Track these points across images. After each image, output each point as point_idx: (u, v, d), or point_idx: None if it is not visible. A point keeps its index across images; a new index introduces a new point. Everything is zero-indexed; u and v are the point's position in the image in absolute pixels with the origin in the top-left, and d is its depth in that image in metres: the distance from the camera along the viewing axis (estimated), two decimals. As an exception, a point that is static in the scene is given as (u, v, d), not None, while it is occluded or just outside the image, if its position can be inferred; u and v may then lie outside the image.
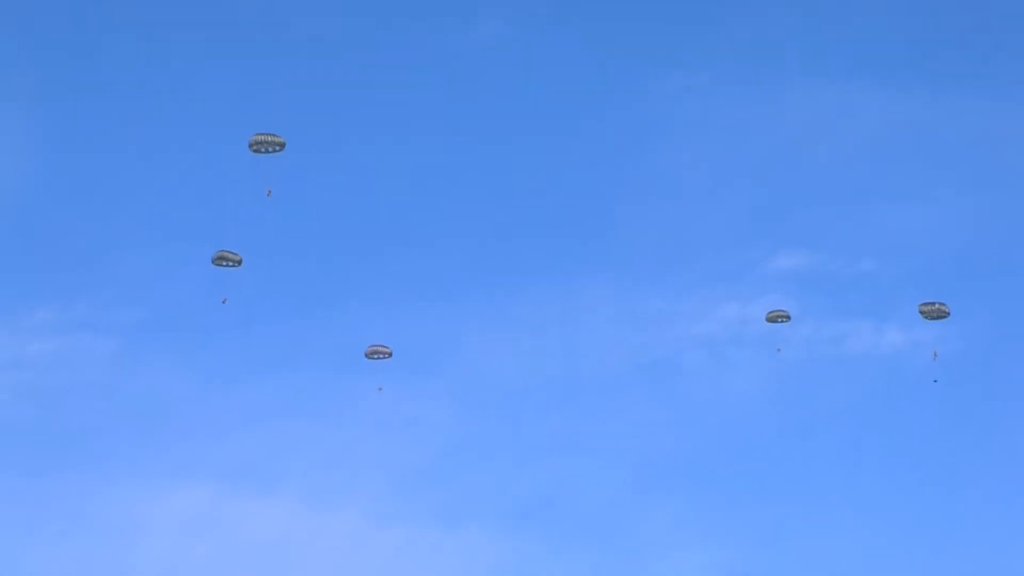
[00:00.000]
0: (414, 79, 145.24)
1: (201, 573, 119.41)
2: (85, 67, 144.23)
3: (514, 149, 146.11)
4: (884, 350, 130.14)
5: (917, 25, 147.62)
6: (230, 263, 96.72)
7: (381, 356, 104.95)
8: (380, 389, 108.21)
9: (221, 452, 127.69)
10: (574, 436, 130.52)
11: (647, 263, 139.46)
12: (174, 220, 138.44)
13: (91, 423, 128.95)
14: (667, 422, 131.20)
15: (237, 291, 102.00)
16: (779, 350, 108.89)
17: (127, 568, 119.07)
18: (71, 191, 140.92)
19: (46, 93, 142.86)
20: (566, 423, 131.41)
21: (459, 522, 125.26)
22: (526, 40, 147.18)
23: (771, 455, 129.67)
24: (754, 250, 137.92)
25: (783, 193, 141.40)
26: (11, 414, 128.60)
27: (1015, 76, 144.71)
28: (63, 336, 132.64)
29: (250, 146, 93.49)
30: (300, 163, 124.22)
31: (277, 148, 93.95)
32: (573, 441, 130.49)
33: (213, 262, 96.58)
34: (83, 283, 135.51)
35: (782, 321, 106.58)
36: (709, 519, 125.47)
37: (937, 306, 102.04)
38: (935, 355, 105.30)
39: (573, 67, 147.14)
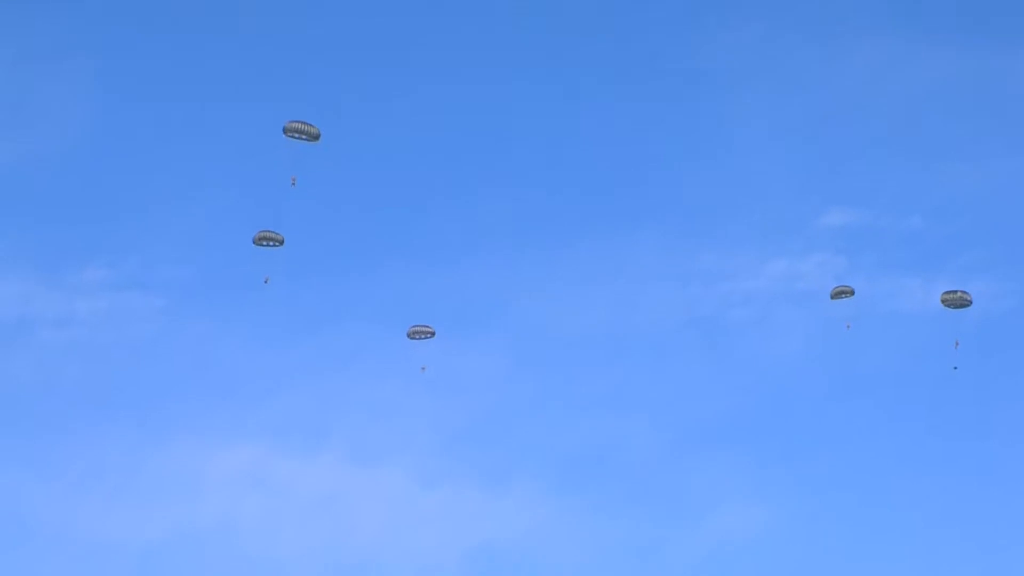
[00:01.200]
0: (462, 25, 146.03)
1: (252, 529, 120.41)
2: (140, 20, 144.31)
3: (565, 102, 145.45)
4: (933, 308, 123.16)
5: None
6: (272, 243, 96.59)
7: (424, 336, 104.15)
8: (424, 369, 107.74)
9: (270, 409, 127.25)
10: (623, 393, 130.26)
11: (697, 218, 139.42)
12: (224, 178, 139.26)
13: (141, 381, 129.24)
14: (715, 379, 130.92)
15: (287, 250, 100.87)
16: (848, 326, 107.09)
17: (180, 524, 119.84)
18: (122, 147, 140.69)
19: (101, 47, 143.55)
20: (615, 380, 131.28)
21: (507, 480, 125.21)
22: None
23: (819, 412, 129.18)
24: (804, 206, 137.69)
25: (835, 148, 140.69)
26: (62, 372, 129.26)
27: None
28: (113, 294, 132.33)
29: (285, 131, 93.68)
30: (348, 116, 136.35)
31: (310, 138, 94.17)
32: (622, 398, 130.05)
33: (255, 242, 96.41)
34: (132, 240, 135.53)
35: (846, 296, 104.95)
36: (757, 476, 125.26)
37: (959, 295, 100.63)
38: (956, 344, 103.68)
39: (625, 19, 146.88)
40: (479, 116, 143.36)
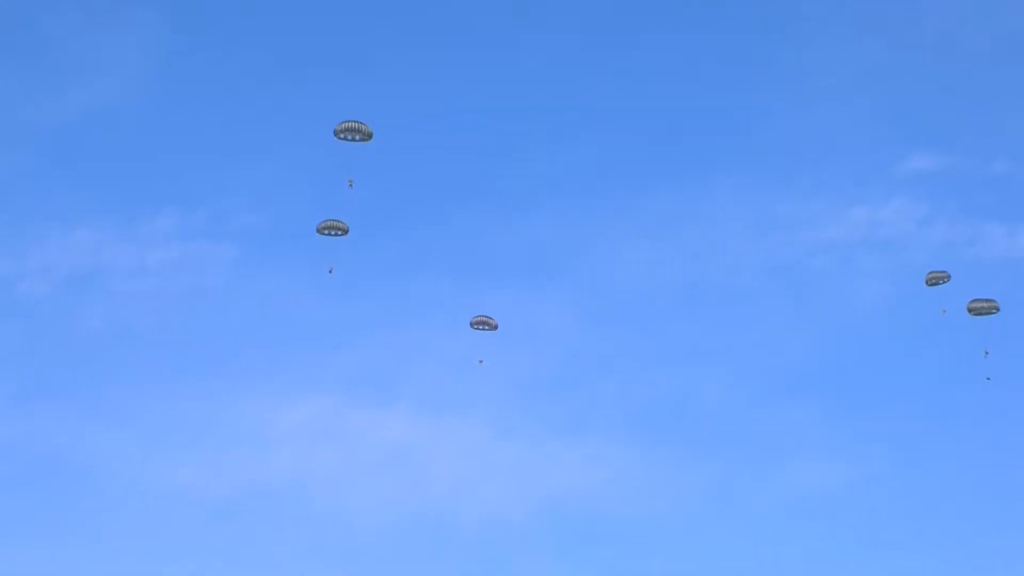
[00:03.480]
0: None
1: (323, 483, 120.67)
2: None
3: (638, 48, 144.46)
4: (1017, 253, 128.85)
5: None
6: (336, 232, 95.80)
7: (486, 328, 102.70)
8: (481, 362, 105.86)
9: (342, 361, 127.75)
10: (699, 344, 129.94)
11: (776, 164, 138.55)
12: (296, 126, 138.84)
13: (212, 332, 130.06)
14: (794, 329, 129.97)
15: (361, 200, 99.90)
16: (944, 311, 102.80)
17: (250, 478, 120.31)
18: (193, 95, 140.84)
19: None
20: (690, 331, 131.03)
21: (582, 432, 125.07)
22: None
23: (900, 362, 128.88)
24: (885, 151, 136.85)
25: (917, 92, 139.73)
26: (136, 320, 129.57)
27: None
28: (184, 243, 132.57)
29: (336, 134, 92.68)
30: (422, 64, 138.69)
31: (363, 137, 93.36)
32: (697, 349, 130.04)
33: (318, 231, 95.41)
34: (204, 190, 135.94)
35: (943, 282, 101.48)
36: (837, 428, 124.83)
37: (987, 303, 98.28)
38: (986, 354, 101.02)
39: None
40: (550, 64, 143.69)
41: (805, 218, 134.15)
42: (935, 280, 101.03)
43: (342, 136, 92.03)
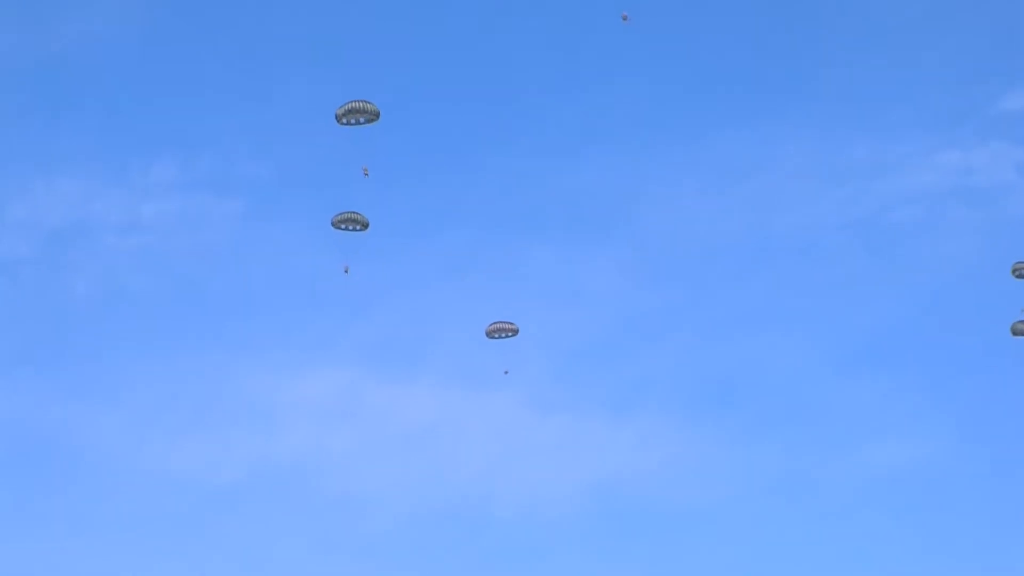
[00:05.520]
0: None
1: (340, 465, 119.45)
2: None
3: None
4: None
5: None
6: (354, 227, 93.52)
7: (505, 335, 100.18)
8: (507, 372, 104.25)
9: (362, 328, 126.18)
10: (764, 307, 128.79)
11: (851, 104, 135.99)
12: (304, 67, 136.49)
13: (216, 296, 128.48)
14: (873, 290, 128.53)
15: (383, 144, 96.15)
16: None
17: (260, 458, 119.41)
18: (196, 24, 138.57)
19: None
20: (755, 293, 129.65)
21: (633, 408, 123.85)
22: None
23: (994, 329, 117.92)
24: (978, 88, 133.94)
25: (1013, 24, 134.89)
26: (129, 283, 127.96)
27: None
28: (184, 195, 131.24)
29: (338, 118, 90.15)
30: (458, 7, 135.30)
31: (369, 118, 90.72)
32: (763, 313, 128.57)
33: (334, 225, 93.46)
34: (206, 135, 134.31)
35: None
36: (921, 402, 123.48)
37: None
38: None
39: None
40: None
41: (885, 165, 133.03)
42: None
43: (344, 122, 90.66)
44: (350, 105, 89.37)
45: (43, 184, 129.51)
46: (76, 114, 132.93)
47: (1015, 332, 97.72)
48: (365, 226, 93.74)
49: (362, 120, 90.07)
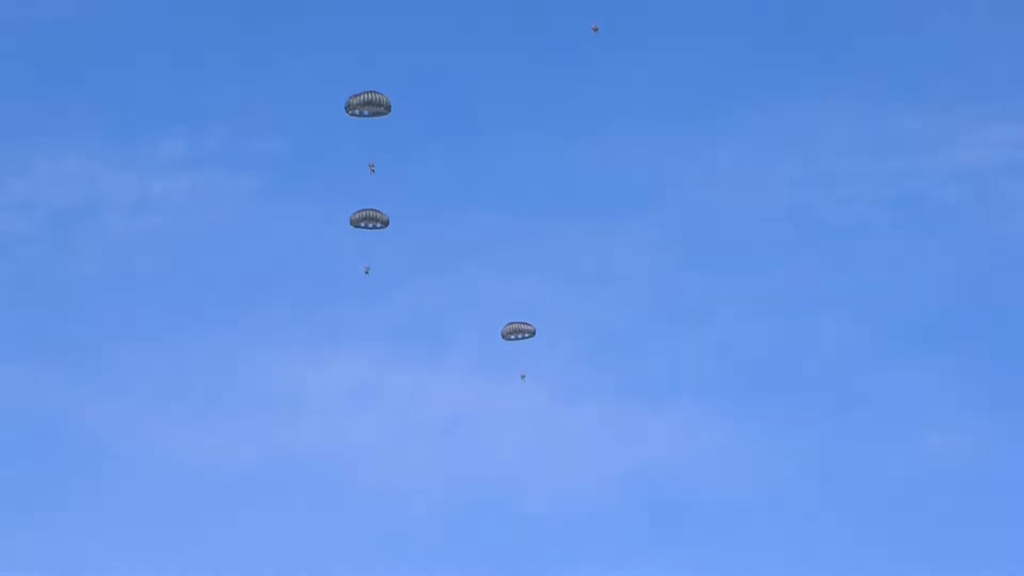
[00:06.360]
0: None
1: (361, 454, 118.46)
2: None
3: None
4: None
5: None
6: (374, 224, 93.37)
7: (522, 336, 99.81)
8: (523, 377, 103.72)
9: (385, 311, 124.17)
10: (810, 288, 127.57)
11: (897, 75, 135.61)
12: (321, 33, 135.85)
13: (230, 277, 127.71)
14: (923, 272, 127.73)
15: (399, 120, 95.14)
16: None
17: (279, 447, 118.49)
18: (208, 3, 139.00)
19: None
20: (798, 272, 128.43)
21: (670, 396, 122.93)
22: None
23: None
24: None
25: None
26: (137, 265, 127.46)
27: None
28: (195, 172, 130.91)
29: (348, 109, 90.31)
30: None
31: (381, 111, 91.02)
32: (809, 294, 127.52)
33: (353, 224, 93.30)
34: (218, 108, 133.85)
35: None
36: (976, 389, 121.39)
37: None
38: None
39: None
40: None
41: (934, 139, 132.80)
42: None
43: (355, 113, 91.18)
44: (364, 96, 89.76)
45: (46, 161, 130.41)
46: (80, 87, 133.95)
47: None
48: (385, 224, 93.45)
49: (367, 112, 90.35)
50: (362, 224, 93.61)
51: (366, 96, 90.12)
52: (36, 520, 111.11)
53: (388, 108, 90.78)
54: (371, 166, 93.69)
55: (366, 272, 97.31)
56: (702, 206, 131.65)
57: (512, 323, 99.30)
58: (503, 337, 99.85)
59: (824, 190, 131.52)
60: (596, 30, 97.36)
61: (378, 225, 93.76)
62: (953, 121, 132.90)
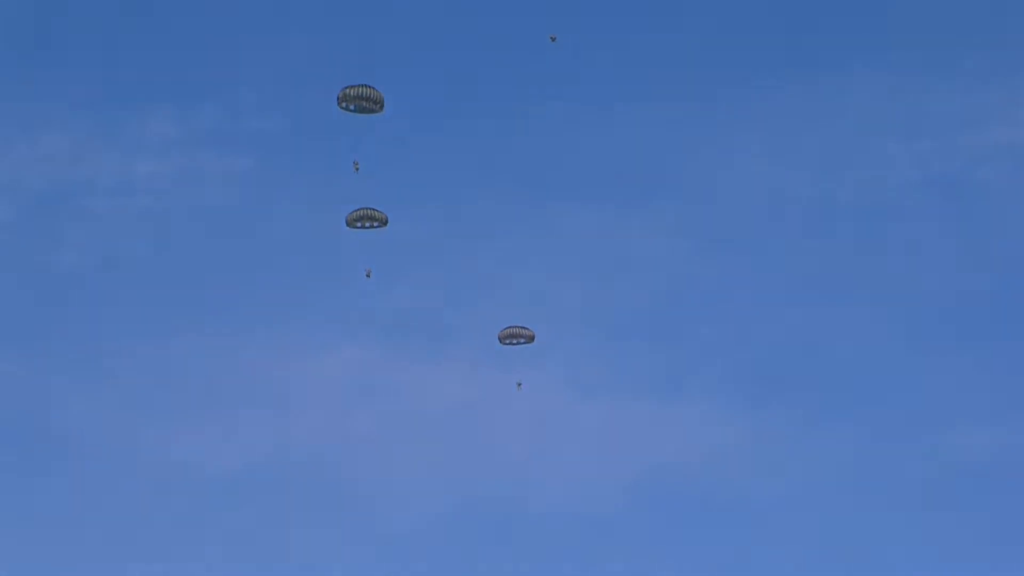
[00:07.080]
0: None
1: (361, 451, 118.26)
2: None
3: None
4: None
5: None
6: (373, 223, 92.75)
7: (519, 342, 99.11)
8: (520, 385, 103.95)
9: (385, 301, 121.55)
10: (835, 275, 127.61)
11: (925, 48, 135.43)
12: (317, 9, 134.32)
13: (221, 265, 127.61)
14: (955, 258, 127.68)
15: (401, 97, 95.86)
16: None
17: (271, 445, 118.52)
18: None
19: None
20: (822, 259, 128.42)
21: (686, 389, 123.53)
22: None
23: None
24: None
25: None
26: (123, 251, 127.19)
27: None
28: (184, 152, 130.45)
29: (339, 101, 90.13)
30: None
31: (374, 107, 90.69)
32: (834, 282, 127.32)
33: (349, 224, 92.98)
34: (208, 84, 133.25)
35: None
36: (1005, 382, 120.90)
37: None
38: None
39: None
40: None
41: (968, 117, 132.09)
42: None
43: (345, 106, 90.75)
44: (355, 91, 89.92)
45: (26, 141, 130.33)
46: (62, 62, 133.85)
47: None
48: (384, 223, 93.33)
49: (351, 108, 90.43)
50: (358, 224, 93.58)
51: (358, 90, 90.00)
52: (23, 519, 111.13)
53: (381, 105, 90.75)
54: (355, 164, 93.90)
55: (367, 275, 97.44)
56: (720, 188, 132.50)
57: (510, 327, 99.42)
58: (500, 341, 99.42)
59: (849, 171, 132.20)
60: (554, 39, 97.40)
61: (376, 224, 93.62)
62: (988, 97, 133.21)
